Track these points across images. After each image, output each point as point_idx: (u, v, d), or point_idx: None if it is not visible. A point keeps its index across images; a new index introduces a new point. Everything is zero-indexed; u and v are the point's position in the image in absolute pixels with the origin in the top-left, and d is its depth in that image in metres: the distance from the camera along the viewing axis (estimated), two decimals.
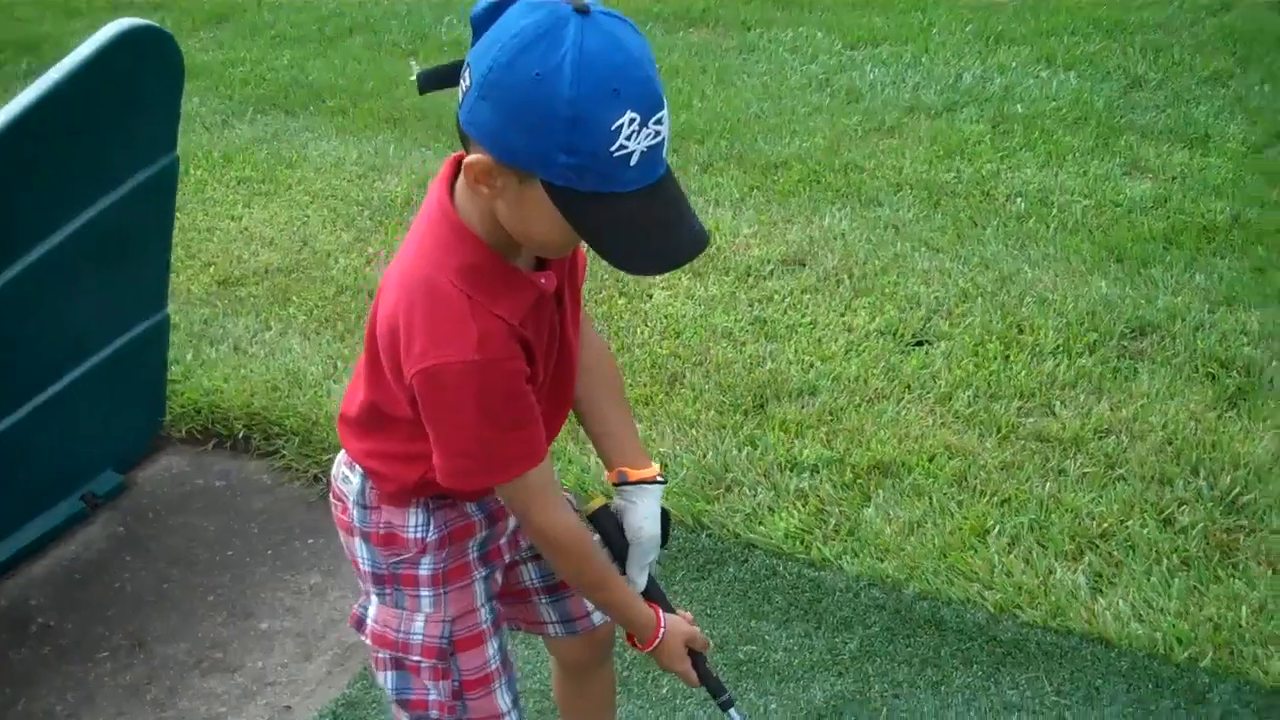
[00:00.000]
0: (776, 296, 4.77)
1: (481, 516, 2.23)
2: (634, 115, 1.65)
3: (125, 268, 3.73)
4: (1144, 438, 3.92)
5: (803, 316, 4.63)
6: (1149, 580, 3.40)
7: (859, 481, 3.80)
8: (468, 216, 1.85)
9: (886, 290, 4.75)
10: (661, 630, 2.23)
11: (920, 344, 4.46)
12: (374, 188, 5.86)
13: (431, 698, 2.27)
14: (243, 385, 4.37)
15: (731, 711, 2.40)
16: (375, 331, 1.97)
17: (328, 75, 7.57)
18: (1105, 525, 3.58)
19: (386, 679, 2.30)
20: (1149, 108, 6.31)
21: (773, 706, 3.13)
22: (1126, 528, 3.57)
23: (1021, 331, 4.47)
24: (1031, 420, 4.04)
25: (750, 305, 4.72)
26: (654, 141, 1.69)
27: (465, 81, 1.72)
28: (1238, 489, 3.68)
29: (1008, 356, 4.34)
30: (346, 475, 2.21)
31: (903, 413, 4.09)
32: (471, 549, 2.24)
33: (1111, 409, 4.05)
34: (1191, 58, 6.91)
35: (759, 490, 3.78)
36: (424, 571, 2.20)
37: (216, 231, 5.57)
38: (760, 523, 3.66)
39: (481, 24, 1.73)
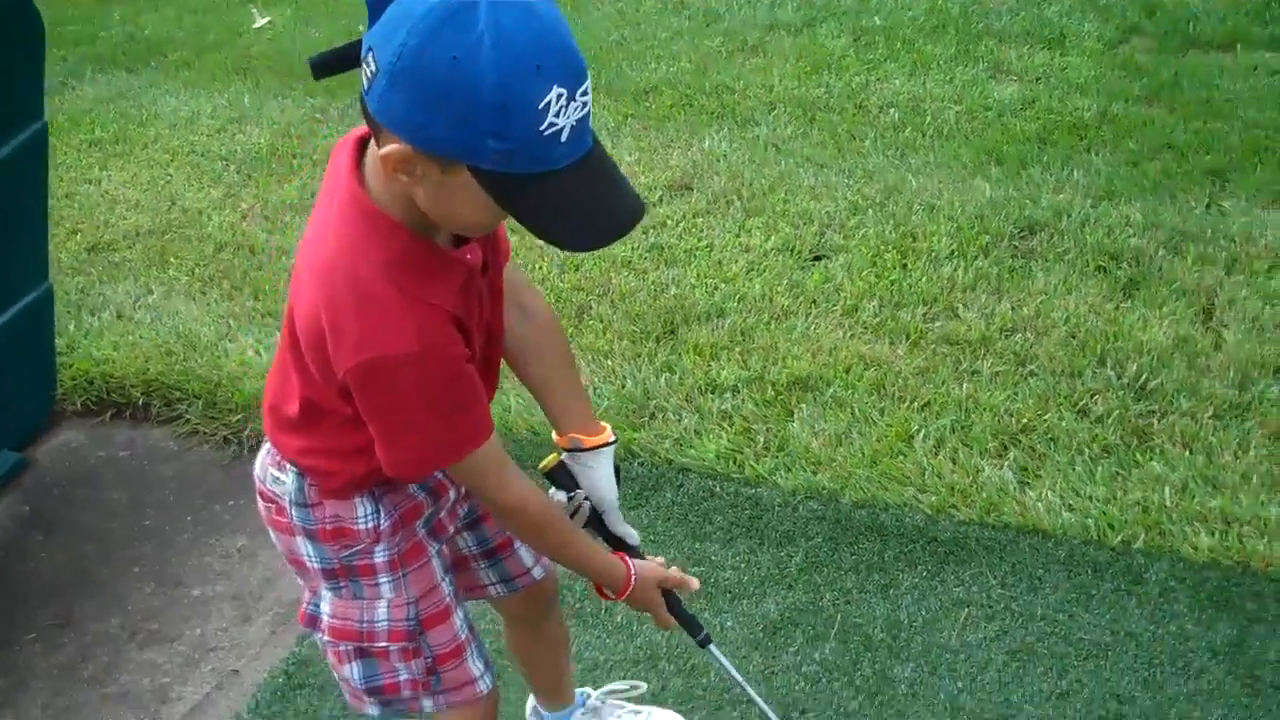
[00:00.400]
0: (670, 222, 4.75)
1: (425, 495, 2.17)
2: (561, 90, 1.56)
3: (5, 240, 3.57)
4: (1048, 333, 4.01)
5: (699, 240, 4.63)
6: (1073, 470, 3.49)
7: (780, 398, 3.82)
8: (382, 202, 1.75)
9: (777, 209, 4.76)
10: (633, 578, 2.22)
11: (818, 259, 4.49)
12: (235, 141, 5.68)
13: (403, 678, 2.23)
14: (134, 352, 4.22)
15: (711, 648, 2.41)
16: (295, 328, 1.87)
17: (164, 28, 7.30)
18: (1024, 420, 3.66)
19: (352, 670, 2.22)
20: (1002, 12, 6.41)
21: (729, 624, 3.15)
22: (1045, 421, 3.66)
23: (915, 239, 4.52)
24: (938, 325, 4.10)
25: (645, 233, 4.69)
26: (582, 114, 1.61)
27: (370, 67, 1.59)
28: (1145, 375, 3.79)
29: (905, 265, 4.39)
30: (276, 476, 2.11)
31: (812, 327, 4.12)
32: (420, 527, 2.19)
33: (1013, 308, 4.14)
34: None
35: (683, 415, 3.78)
36: (380, 559, 2.13)
37: (76, 196, 5.35)
38: (690, 446, 3.66)
39: (378, 1, 1.61)
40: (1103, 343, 3.94)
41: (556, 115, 1.57)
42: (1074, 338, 3.98)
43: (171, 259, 4.77)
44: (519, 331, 2.12)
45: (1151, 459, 3.51)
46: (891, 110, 5.48)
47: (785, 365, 3.93)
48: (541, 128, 1.57)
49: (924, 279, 4.30)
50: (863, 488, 3.48)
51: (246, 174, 5.38)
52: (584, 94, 1.61)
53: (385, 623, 2.16)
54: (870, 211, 4.70)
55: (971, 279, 4.29)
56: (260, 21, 6.99)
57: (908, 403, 3.77)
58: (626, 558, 2.23)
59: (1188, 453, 3.53)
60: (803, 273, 4.40)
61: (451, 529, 2.29)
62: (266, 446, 2.14)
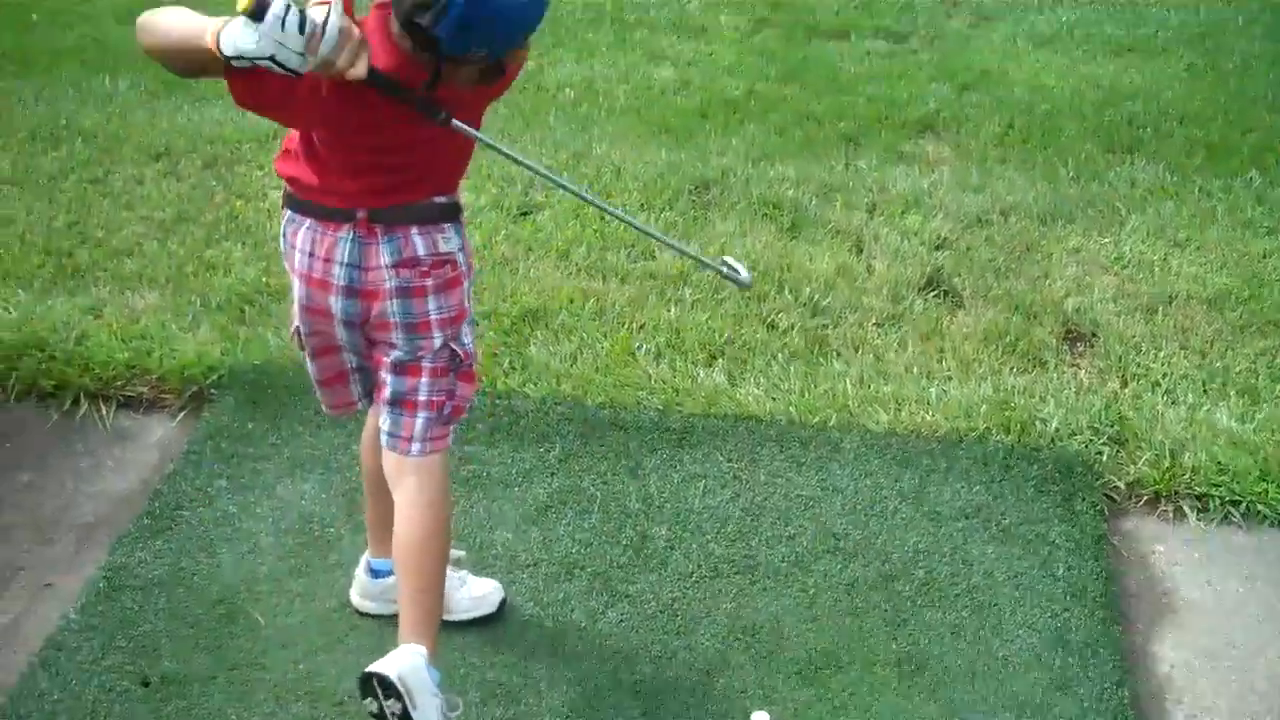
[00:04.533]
0: None
1: None
2: None
3: None
4: None
5: None
6: (772, 370, 4.17)
7: (516, 327, 4.33)
8: None
9: (483, 173, 5.26)
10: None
11: (526, 214, 5.03)
12: None
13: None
14: None
15: (455, 123, 2.59)
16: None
17: None
18: (725, 335, 4.32)
19: (473, 393, 2.93)
20: (649, 6, 7.14)
21: (505, 508, 3.63)
22: (742, 335, 4.33)
23: (609, 195, 5.13)
24: (640, 264, 4.71)
25: None
26: None
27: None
28: (816, 296, 4.53)
29: (604, 217, 4.99)
30: (444, 238, 2.70)
31: (532, 270, 4.65)
32: None
33: (701, 248, 4.79)
34: None
35: None
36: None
37: None
38: None
39: None
40: (779, 273, 4.66)
41: None
42: (755, 269, 4.66)
43: None
44: None
45: (832, 360, 4.23)
46: (568, 90, 6.08)
47: (515, 300, 4.45)
48: None
49: (622, 228, 4.91)
50: (601, 393, 4.04)
51: None
52: None
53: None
54: (565, 173, 5.27)
55: (663, 227, 4.93)
56: None
57: (626, 325, 4.35)
58: None
59: (859, 353, 4.27)
60: (515, 225, 4.92)
61: None
62: (412, 232, 2.66)
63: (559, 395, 4.04)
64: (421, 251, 2.67)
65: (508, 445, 3.86)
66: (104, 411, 4.01)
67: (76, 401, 4.04)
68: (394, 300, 2.70)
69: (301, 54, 2.26)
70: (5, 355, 4.13)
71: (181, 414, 4.00)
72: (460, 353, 2.82)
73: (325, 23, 2.25)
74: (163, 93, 6.02)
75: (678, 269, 4.65)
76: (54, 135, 5.56)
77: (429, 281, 2.70)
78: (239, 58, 2.26)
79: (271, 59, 2.25)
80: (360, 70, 2.33)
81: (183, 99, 5.96)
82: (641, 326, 4.36)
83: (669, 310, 4.44)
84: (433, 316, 2.74)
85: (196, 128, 5.60)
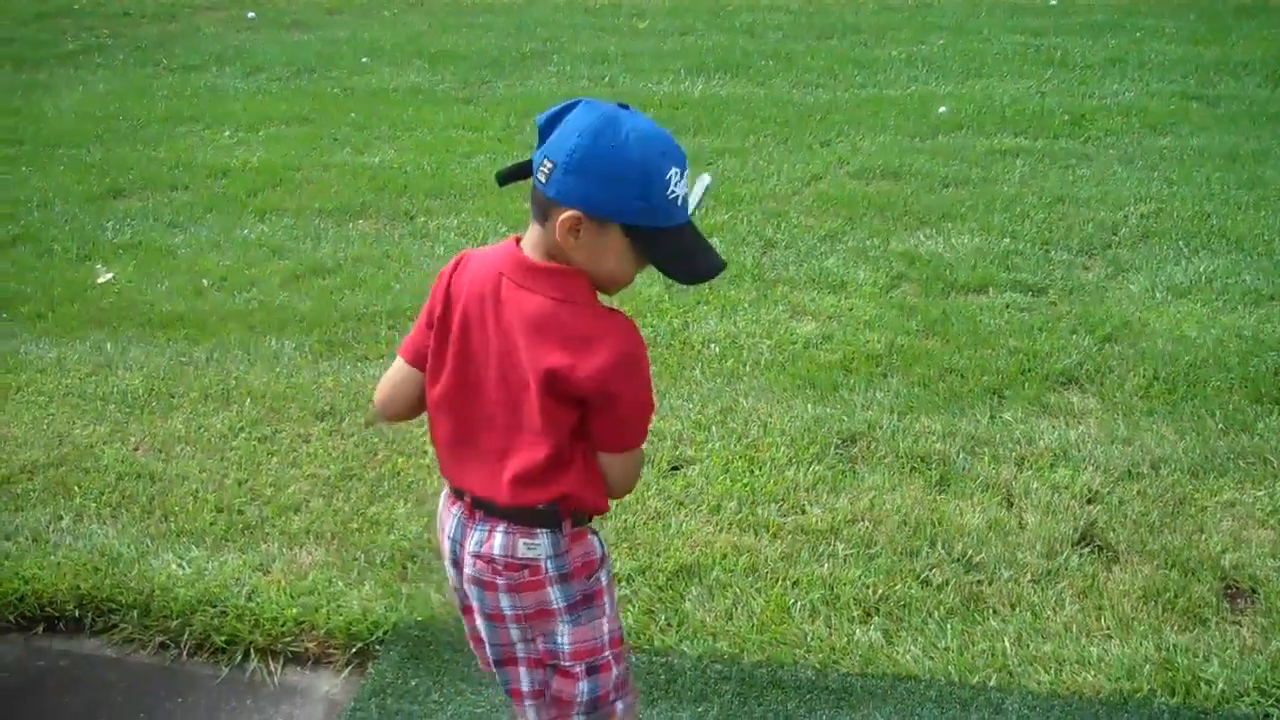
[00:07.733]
0: None
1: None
2: (676, 169, 2.44)
3: None
4: (884, 521, 4.72)
5: None
6: (928, 628, 4.16)
7: (671, 583, 4.39)
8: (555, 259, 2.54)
9: None
10: None
11: (676, 469, 5.13)
12: (109, 383, 6.02)
13: (610, 686, 2.83)
14: (60, 570, 4.50)
15: None
16: (527, 389, 2.55)
17: (6, 284, 7.54)
18: (879, 592, 4.33)
19: (580, 690, 2.79)
20: (789, 263, 7.35)
21: None
22: (896, 591, 4.33)
23: (757, 450, 5.23)
24: (791, 519, 4.77)
25: None
26: (686, 189, 2.48)
27: (547, 166, 2.43)
28: (969, 551, 4.53)
29: (753, 471, 5.08)
30: (528, 544, 2.68)
31: (684, 524, 4.73)
32: None
33: (850, 502, 4.84)
34: (807, 220, 8.09)
35: None
36: (604, 580, 2.81)
37: None
38: None
39: (547, 127, 2.47)
40: (930, 527, 4.67)
41: (675, 186, 2.43)
42: (905, 524, 4.70)
43: (75, 488, 5.07)
44: None
45: (988, 617, 4.21)
46: (712, 345, 6.25)
47: (669, 555, 4.52)
48: (668, 193, 2.43)
49: (771, 482, 4.99)
50: (758, 651, 4.07)
51: (128, 411, 5.72)
52: (685, 174, 2.47)
53: (607, 634, 2.80)
54: (713, 428, 5.39)
55: (811, 480, 5.00)
56: (104, 277, 7.36)
57: (780, 581, 4.39)
58: None
59: (1016, 610, 4.25)
60: (666, 480, 5.02)
61: None
62: (498, 528, 2.70)
63: (715, 653, 4.07)
64: (497, 551, 2.71)
65: (665, 705, 3.89)
66: (272, 667, 4.13)
67: (246, 657, 4.18)
68: (471, 585, 2.80)
69: None
70: (180, 611, 4.29)
71: (347, 670, 4.10)
72: (554, 650, 2.79)
73: None
74: (326, 354, 6.31)
75: (828, 524, 4.70)
76: (225, 395, 5.84)
77: (500, 580, 2.73)
78: None
79: None
80: None
81: (345, 359, 6.23)
82: (795, 583, 4.39)
83: (822, 565, 4.47)
84: (506, 612, 2.78)
85: (359, 386, 5.83)
